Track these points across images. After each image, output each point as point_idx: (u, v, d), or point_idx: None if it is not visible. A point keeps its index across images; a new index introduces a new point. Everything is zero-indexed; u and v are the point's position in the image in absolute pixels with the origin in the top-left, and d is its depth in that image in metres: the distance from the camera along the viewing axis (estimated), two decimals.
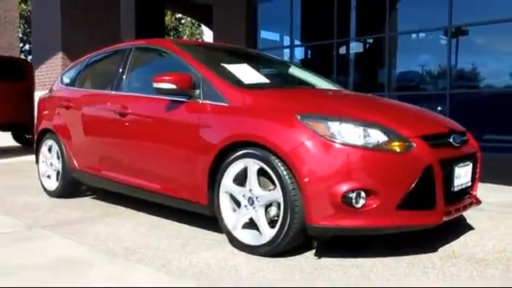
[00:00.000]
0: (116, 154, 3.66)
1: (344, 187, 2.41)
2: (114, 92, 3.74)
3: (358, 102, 3.19)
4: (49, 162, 4.53)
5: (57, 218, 3.66)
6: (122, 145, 3.58)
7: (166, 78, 3.03)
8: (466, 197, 2.90)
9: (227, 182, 2.81)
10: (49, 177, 4.55)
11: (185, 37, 24.65)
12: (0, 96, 9.58)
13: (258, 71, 3.45)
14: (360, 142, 2.47)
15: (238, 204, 2.82)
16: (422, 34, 8.80)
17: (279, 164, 2.54)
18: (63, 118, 4.29)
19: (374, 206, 2.43)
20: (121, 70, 3.77)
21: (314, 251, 2.72)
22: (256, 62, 3.81)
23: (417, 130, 2.61)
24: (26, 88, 9.87)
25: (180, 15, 23.58)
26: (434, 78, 8.62)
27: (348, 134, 2.48)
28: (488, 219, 3.50)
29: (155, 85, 3.06)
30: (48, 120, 4.52)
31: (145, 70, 3.79)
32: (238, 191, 2.78)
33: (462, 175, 2.80)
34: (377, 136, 2.49)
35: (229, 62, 3.39)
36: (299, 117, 2.56)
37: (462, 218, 3.42)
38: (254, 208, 2.70)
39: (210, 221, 3.20)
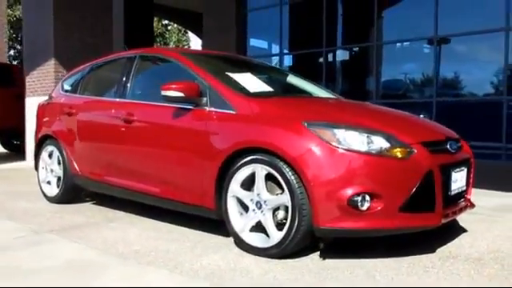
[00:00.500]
0: (121, 159, 3.74)
1: (350, 191, 2.54)
2: (118, 99, 3.82)
3: (358, 110, 3.34)
4: (49, 168, 4.57)
5: (61, 223, 3.72)
6: (128, 151, 3.66)
7: (174, 86, 3.13)
8: (461, 200, 3.06)
9: (235, 186, 2.91)
10: (49, 183, 4.58)
11: (171, 43, 24.72)
12: None
13: (261, 80, 3.57)
14: (364, 148, 2.60)
15: (245, 208, 2.92)
16: (408, 44, 9.06)
17: (287, 169, 2.66)
18: (65, 124, 4.34)
19: (378, 208, 2.56)
20: (125, 78, 3.86)
21: (318, 253, 2.83)
22: (257, 70, 3.93)
23: (417, 137, 2.76)
24: (15, 94, 9.81)
25: (167, 22, 23.63)
26: (420, 86, 8.87)
27: (353, 140, 2.61)
28: (480, 222, 3.66)
29: (163, 92, 3.16)
30: (49, 126, 4.57)
31: (150, 78, 3.89)
32: (245, 196, 2.89)
33: (458, 180, 2.95)
34: (380, 142, 2.63)
35: (232, 71, 3.51)
36: (306, 124, 2.69)
37: (456, 221, 3.57)
38: (261, 212, 2.81)
39: (214, 225, 3.31)
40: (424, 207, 2.68)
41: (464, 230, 3.42)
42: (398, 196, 2.59)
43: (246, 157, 2.86)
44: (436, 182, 2.68)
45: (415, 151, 2.66)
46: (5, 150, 10.95)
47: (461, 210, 3.01)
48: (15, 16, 22.19)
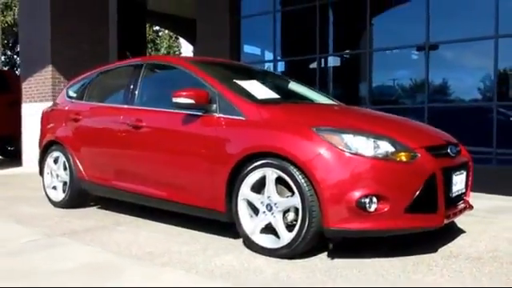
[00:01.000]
0: (130, 164, 3.83)
1: (358, 193, 2.67)
2: (126, 106, 3.92)
3: (362, 116, 3.48)
4: (55, 173, 4.64)
5: (71, 227, 3.79)
6: (137, 156, 3.76)
7: (185, 93, 3.25)
8: (460, 202, 3.21)
9: (245, 190, 3.03)
10: (54, 188, 4.65)
11: (162, 49, 24.83)
12: None
13: (266, 87, 3.70)
14: (371, 152, 2.73)
15: (255, 210, 3.04)
16: (401, 51, 9.26)
17: (297, 173, 2.78)
18: (72, 130, 4.42)
19: (385, 210, 2.69)
20: (133, 85, 3.96)
21: (326, 253, 2.96)
22: (260, 77, 4.05)
23: (420, 142, 2.91)
24: (10, 100, 9.82)
25: (158, 28, 23.73)
26: (412, 92, 9.08)
27: (360, 145, 2.74)
28: (476, 223, 3.81)
29: (174, 99, 3.27)
30: (54, 132, 4.64)
31: (158, 85, 4.00)
32: (256, 198, 3.00)
33: (459, 182, 3.10)
34: (386, 147, 2.76)
35: (239, 78, 3.64)
36: (315, 129, 2.82)
37: (454, 223, 3.72)
38: (272, 214, 2.92)
39: (221, 228, 3.43)
40: (427, 209, 2.82)
41: (462, 231, 3.56)
42: (403, 198, 2.72)
43: (256, 161, 2.97)
44: (439, 184, 2.82)
45: (419, 155, 2.80)
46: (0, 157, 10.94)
47: (461, 212, 3.15)
48: (6, 22, 22.10)
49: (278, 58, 11.16)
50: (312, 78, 10.05)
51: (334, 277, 2.58)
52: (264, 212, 2.96)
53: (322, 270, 2.67)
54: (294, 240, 2.80)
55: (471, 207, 3.34)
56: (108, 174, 4.04)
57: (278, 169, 2.87)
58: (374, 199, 2.68)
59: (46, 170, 4.73)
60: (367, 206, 2.66)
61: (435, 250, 3.05)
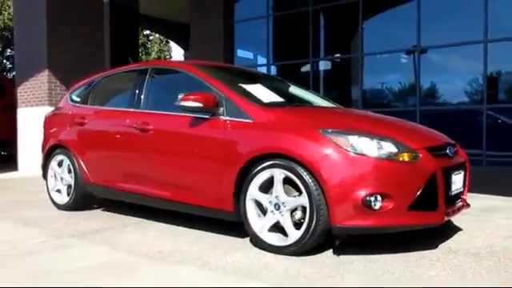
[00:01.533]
0: (137, 167, 3.91)
1: (363, 192, 2.79)
2: (133, 109, 4.01)
3: (365, 119, 3.62)
4: (59, 176, 4.70)
5: (78, 229, 3.86)
6: (144, 158, 3.84)
7: (193, 96, 3.35)
8: (459, 200, 3.35)
9: (253, 190, 3.14)
10: (58, 191, 4.72)
11: (153, 53, 24.88)
12: None
13: (270, 90, 3.81)
14: (375, 153, 2.86)
15: (262, 209, 3.15)
16: (392, 55, 9.45)
17: (305, 173, 2.90)
18: (77, 133, 4.49)
19: (389, 207, 2.82)
20: (138, 89, 4.05)
21: (331, 250, 3.08)
22: (264, 81, 4.16)
23: (421, 143, 3.05)
24: (5, 104, 9.83)
25: (148, 32, 23.77)
26: (404, 95, 9.27)
27: (365, 146, 2.87)
28: (472, 222, 3.96)
29: (182, 103, 3.37)
30: (58, 136, 4.71)
31: (164, 89, 4.10)
32: (264, 198, 3.12)
33: (457, 181, 3.24)
34: (389, 148, 2.90)
35: (244, 82, 3.75)
36: (321, 131, 2.94)
37: (450, 221, 3.86)
38: (280, 213, 3.03)
39: (228, 228, 3.53)
40: (429, 206, 2.96)
41: (459, 229, 3.71)
42: (406, 196, 2.86)
43: (264, 162, 3.09)
44: (439, 183, 2.96)
45: (420, 156, 2.94)
46: None
47: (459, 210, 3.29)
48: None
49: (272, 62, 11.30)
50: (305, 81, 10.19)
51: (343, 272, 2.69)
52: (272, 211, 3.07)
53: (330, 266, 2.79)
54: (302, 237, 2.91)
55: (468, 205, 3.48)
56: (114, 176, 4.12)
57: (285, 169, 2.99)
58: (379, 197, 2.81)
59: (49, 173, 4.79)
60: (373, 204, 2.79)
61: (435, 246, 3.18)
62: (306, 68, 10.43)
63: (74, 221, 4.16)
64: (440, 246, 3.22)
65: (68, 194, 4.60)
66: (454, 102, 8.67)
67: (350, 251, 3.05)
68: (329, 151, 2.86)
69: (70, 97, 4.89)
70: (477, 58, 7.94)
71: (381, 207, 2.81)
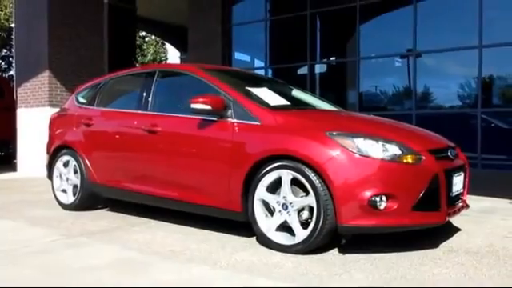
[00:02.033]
0: (145, 167, 4.00)
1: (369, 192, 2.90)
2: (140, 111, 4.09)
3: (369, 122, 3.73)
4: (65, 176, 4.77)
5: (86, 228, 3.94)
6: (152, 159, 3.93)
7: (202, 99, 3.44)
8: (459, 201, 3.47)
9: (261, 190, 3.24)
10: (64, 191, 4.78)
11: (149, 55, 24.92)
12: None
13: (275, 94, 3.91)
14: (380, 155, 2.97)
15: (270, 210, 3.25)
16: (389, 59, 9.60)
17: (312, 174, 3.00)
18: (83, 134, 4.57)
19: (394, 207, 2.93)
20: (146, 91, 4.14)
21: (337, 249, 3.18)
22: (269, 85, 4.26)
23: (424, 145, 3.16)
24: (4, 105, 9.87)
25: (144, 33, 23.80)
26: (400, 99, 9.41)
27: (370, 148, 2.98)
28: (470, 222, 4.08)
29: (192, 105, 3.46)
30: (64, 137, 4.78)
31: (171, 91, 4.19)
32: (271, 198, 3.21)
33: (458, 183, 3.36)
34: (393, 150, 3.01)
35: (250, 86, 3.85)
36: (328, 133, 3.05)
37: (449, 222, 3.98)
38: (287, 212, 3.13)
39: (235, 227, 3.63)
40: (431, 207, 3.07)
41: (458, 229, 3.83)
42: (410, 197, 2.97)
43: (272, 163, 3.18)
44: (441, 184, 3.08)
45: (423, 158, 3.05)
46: None
47: (459, 210, 3.41)
48: None
49: (269, 65, 11.41)
50: (302, 84, 10.28)
51: (349, 269, 2.79)
52: (280, 211, 3.17)
53: (337, 264, 2.89)
54: (310, 236, 3.01)
55: (468, 206, 3.60)
56: (122, 176, 4.20)
57: (293, 170, 3.09)
58: (384, 198, 2.92)
59: (55, 174, 4.85)
60: (378, 204, 2.90)
61: (436, 246, 3.30)
62: (303, 71, 10.54)
63: (81, 221, 4.23)
64: (441, 245, 3.33)
65: (74, 194, 4.67)
66: (449, 105, 8.82)
67: (355, 250, 3.15)
68: (335, 153, 2.97)
69: (76, 98, 4.97)
70: (472, 63, 8.08)
71: (386, 207, 2.92)
